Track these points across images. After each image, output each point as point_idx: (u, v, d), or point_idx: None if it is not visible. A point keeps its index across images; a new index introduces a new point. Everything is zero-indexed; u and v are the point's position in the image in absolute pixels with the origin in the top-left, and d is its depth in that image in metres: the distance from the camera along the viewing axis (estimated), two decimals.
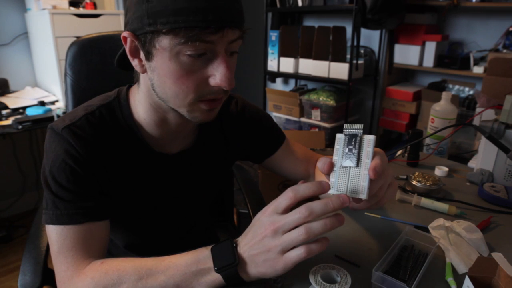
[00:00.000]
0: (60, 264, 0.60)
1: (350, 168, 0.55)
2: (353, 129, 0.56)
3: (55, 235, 0.61)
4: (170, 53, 0.55)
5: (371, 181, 0.55)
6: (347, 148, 0.56)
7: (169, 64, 0.56)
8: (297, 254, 0.50)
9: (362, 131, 0.56)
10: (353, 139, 0.56)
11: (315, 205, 0.50)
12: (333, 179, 0.56)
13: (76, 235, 0.61)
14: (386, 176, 0.58)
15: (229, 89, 0.60)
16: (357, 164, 0.55)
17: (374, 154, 0.56)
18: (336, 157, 0.56)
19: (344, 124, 0.57)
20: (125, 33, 0.59)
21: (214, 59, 0.57)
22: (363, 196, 0.54)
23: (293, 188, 0.53)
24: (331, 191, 0.55)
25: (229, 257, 0.54)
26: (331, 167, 0.56)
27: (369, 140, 0.55)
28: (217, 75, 0.57)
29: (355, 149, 0.55)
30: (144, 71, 0.61)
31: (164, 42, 0.55)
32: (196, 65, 0.57)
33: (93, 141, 0.64)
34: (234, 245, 0.55)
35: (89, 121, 0.65)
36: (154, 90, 0.62)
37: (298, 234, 0.50)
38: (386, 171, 0.57)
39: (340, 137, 0.57)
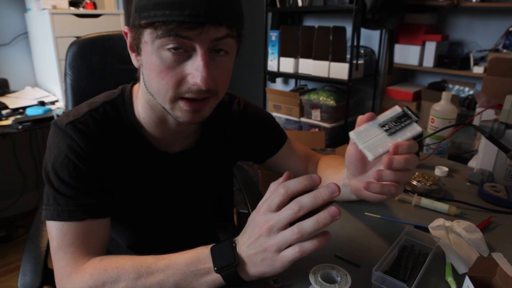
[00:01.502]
0: (59, 260, 0.60)
1: (382, 133, 0.57)
2: (412, 113, 0.58)
3: (55, 231, 0.61)
4: (152, 47, 0.56)
5: (393, 173, 0.56)
6: (395, 119, 0.58)
7: (151, 58, 0.57)
8: (291, 253, 0.50)
9: (417, 119, 0.58)
10: (404, 118, 0.58)
11: (304, 199, 0.50)
12: (362, 128, 0.58)
13: (76, 232, 0.61)
14: (406, 176, 0.58)
15: (212, 88, 0.58)
16: (390, 135, 0.57)
17: (411, 158, 0.56)
18: (380, 118, 0.59)
19: (407, 106, 0.60)
20: (125, 28, 0.61)
21: (194, 56, 0.56)
22: (371, 156, 0.55)
23: (283, 184, 0.52)
24: (352, 135, 0.58)
25: (229, 258, 0.54)
26: (370, 118, 0.58)
27: (416, 129, 0.57)
28: (194, 73, 0.56)
29: (400, 125, 0.57)
30: (139, 65, 0.63)
31: (146, 36, 0.56)
32: (177, 61, 0.56)
33: (97, 137, 0.64)
34: (234, 245, 0.55)
35: (93, 117, 0.65)
36: (145, 84, 0.62)
37: (291, 233, 0.50)
38: (407, 172, 0.57)
39: (397, 109, 0.59)
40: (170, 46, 0.54)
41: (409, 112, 0.58)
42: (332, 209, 0.49)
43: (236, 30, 0.58)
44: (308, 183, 0.51)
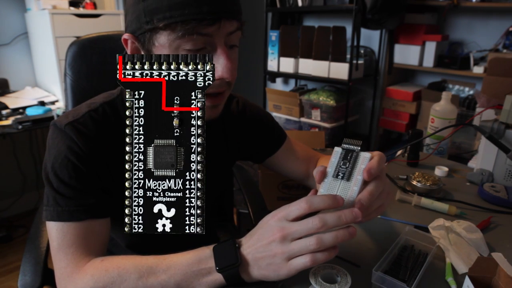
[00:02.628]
0: (60, 260, 0.60)
1: (340, 182, 0.56)
2: (352, 144, 0.57)
3: (56, 232, 0.61)
4: (169, 49, 0.56)
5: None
6: (342, 162, 0.57)
7: None
8: (302, 262, 0.50)
9: (359, 148, 0.57)
10: (349, 154, 0.57)
11: (329, 218, 0.50)
12: (322, 190, 0.56)
13: (76, 232, 0.61)
14: (381, 200, 0.56)
15: (232, 81, 0.59)
16: (348, 179, 0.55)
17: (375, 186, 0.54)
18: (329, 169, 0.57)
19: (344, 138, 0.58)
20: (126, 35, 0.59)
21: (213, 52, 0.57)
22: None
23: (307, 199, 0.52)
24: None
25: (231, 257, 0.53)
26: (322, 176, 0.56)
27: (365, 157, 0.56)
28: (218, 67, 0.57)
29: (349, 164, 0.56)
30: None
31: (162, 38, 0.55)
32: None
33: (96, 138, 0.64)
34: (237, 245, 0.55)
35: (92, 118, 0.65)
36: None
37: (309, 243, 0.50)
38: (380, 197, 0.55)
39: (337, 151, 0.58)
40: (192, 46, 0.55)
41: (349, 146, 0.57)
42: (351, 229, 0.50)
43: (242, 24, 0.60)
44: (332, 203, 0.51)
